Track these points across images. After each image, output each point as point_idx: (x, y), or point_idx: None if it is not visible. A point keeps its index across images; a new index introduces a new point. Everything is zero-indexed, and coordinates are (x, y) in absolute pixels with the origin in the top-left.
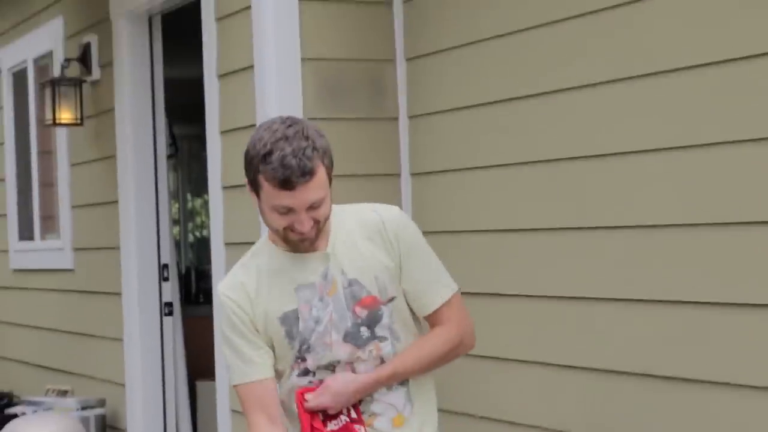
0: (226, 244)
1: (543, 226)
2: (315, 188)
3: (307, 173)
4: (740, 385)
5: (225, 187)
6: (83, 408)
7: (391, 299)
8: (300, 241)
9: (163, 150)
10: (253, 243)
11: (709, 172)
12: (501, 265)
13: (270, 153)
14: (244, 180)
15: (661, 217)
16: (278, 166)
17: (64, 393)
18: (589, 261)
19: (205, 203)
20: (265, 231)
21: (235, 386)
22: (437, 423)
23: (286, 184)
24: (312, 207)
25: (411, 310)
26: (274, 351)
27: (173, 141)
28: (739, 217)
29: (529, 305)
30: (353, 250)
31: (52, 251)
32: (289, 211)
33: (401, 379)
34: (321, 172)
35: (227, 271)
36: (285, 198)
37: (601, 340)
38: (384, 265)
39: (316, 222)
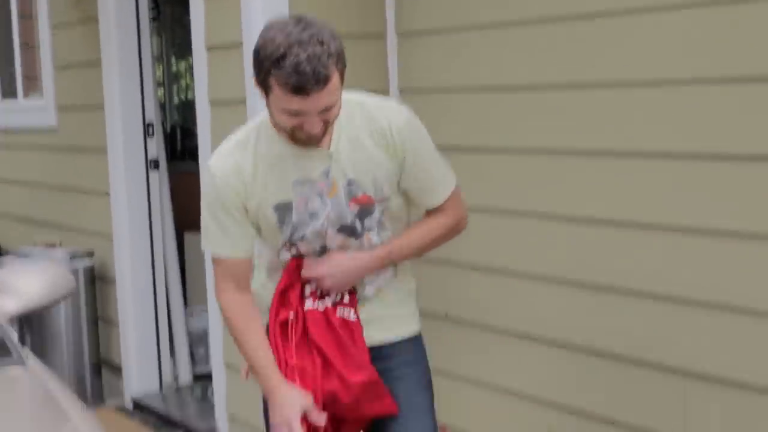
0: (211, 102)
1: (529, 82)
2: (328, 94)
3: (322, 81)
4: (739, 308)
5: (209, 48)
6: (71, 258)
7: (385, 198)
8: (307, 139)
9: (145, 12)
10: (238, 101)
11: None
12: (490, 122)
13: (283, 57)
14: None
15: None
16: (292, 72)
17: (52, 245)
18: (577, 117)
19: (190, 66)
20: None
21: (210, 252)
22: (418, 315)
23: (299, 90)
24: (324, 110)
25: (402, 205)
26: (260, 232)
27: (156, 4)
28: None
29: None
30: (357, 149)
31: (35, 110)
32: (299, 114)
33: (396, 260)
34: (335, 78)
35: (213, 129)
36: (297, 103)
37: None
38: (384, 166)
39: (326, 123)
